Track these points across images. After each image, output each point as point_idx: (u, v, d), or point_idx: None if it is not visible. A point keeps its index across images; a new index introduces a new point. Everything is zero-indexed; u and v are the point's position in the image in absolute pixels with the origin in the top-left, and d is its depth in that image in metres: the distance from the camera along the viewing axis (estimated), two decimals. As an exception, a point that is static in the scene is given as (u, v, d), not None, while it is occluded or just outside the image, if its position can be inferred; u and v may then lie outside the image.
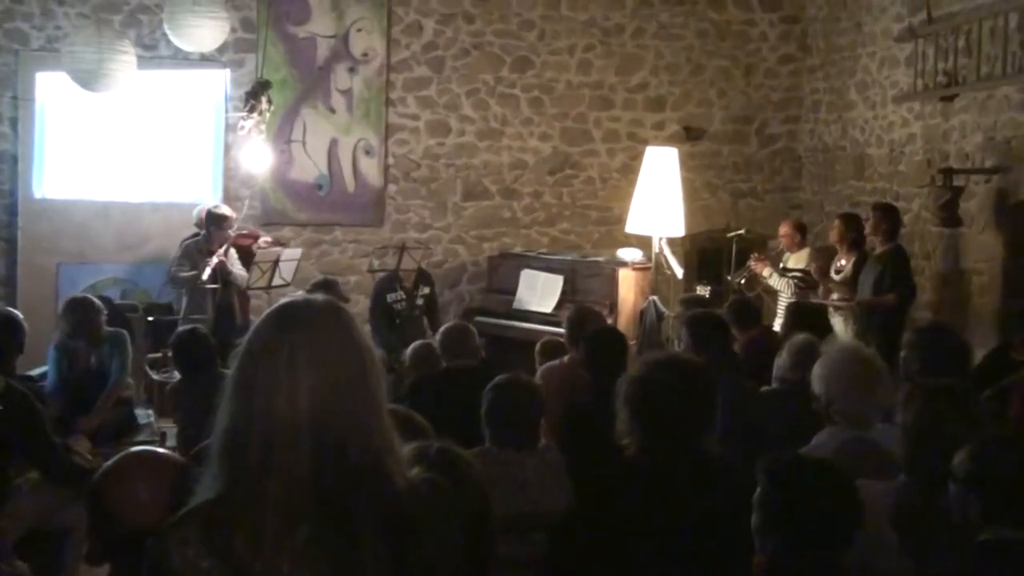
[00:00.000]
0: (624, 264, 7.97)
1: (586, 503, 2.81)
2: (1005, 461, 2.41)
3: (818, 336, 4.65)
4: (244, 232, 8.01)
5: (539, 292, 8.11)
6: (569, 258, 8.45)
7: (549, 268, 8.22)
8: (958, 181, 6.79)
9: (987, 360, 5.03)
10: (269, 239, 8.14)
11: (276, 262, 7.49)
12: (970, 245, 7.03)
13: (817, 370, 3.37)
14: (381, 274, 7.76)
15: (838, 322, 6.82)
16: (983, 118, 6.86)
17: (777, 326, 7.00)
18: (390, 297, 7.60)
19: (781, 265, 7.50)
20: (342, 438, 1.61)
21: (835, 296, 6.85)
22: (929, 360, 3.80)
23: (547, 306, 7.94)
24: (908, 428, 2.80)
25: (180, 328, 5.79)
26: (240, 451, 1.60)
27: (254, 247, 7.79)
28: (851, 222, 7.05)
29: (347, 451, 1.61)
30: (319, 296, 1.75)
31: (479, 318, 7.97)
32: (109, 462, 2.24)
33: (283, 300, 1.74)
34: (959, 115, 7.14)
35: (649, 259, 7.92)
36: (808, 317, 5.47)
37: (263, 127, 7.70)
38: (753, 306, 6.38)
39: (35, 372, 6.11)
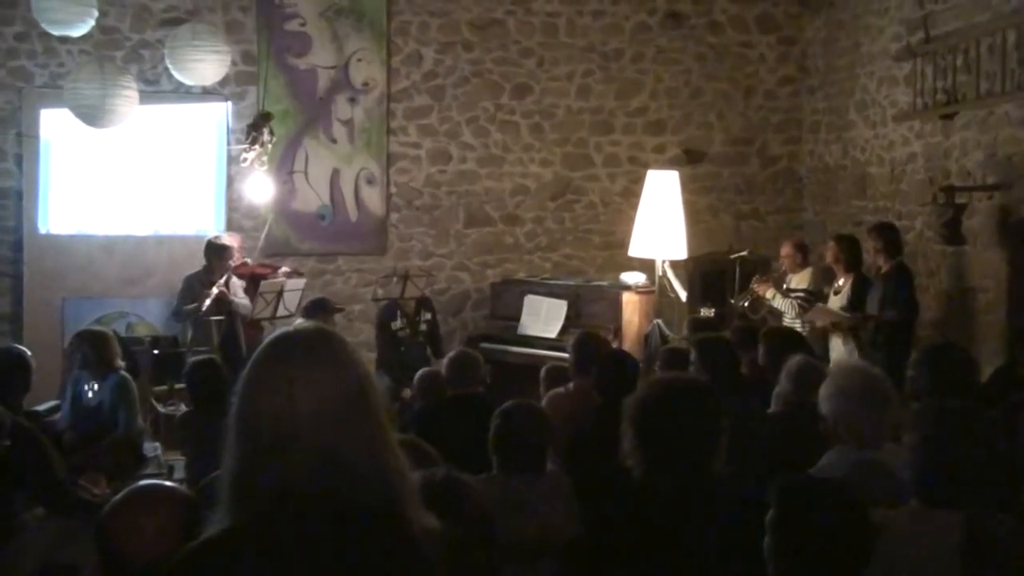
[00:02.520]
0: (628, 288, 7.96)
1: (593, 527, 2.79)
2: None
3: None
4: (265, 264, 8.10)
5: (543, 317, 8.09)
6: (572, 283, 8.43)
7: (552, 293, 8.21)
8: (960, 199, 6.78)
9: (994, 377, 5.00)
10: (287, 269, 8.11)
11: (280, 292, 7.50)
12: (974, 263, 7.01)
13: (824, 390, 3.35)
14: (384, 303, 7.76)
15: (838, 343, 6.80)
16: (984, 135, 6.87)
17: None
18: (394, 325, 7.60)
19: (784, 286, 7.48)
20: (352, 457, 1.62)
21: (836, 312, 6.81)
22: (937, 379, 3.78)
23: (551, 331, 7.92)
24: (918, 449, 2.73)
25: (194, 358, 5.74)
26: (252, 486, 1.61)
27: (270, 277, 7.79)
28: (845, 243, 7.05)
29: (358, 471, 1.61)
30: (308, 325, 1.77)
31: (483, 344, 7.95)
32: (116, 497, 2.24)
33: (274, 333, 1.75)
34: (960, 133, 7.15)
35: (653, 282, 7.90)
36: (787, 342, 5.36)
37: (265, 159, 7.73)
38: (755, 329, 6.33)
39: (42, 407, 6.11)
